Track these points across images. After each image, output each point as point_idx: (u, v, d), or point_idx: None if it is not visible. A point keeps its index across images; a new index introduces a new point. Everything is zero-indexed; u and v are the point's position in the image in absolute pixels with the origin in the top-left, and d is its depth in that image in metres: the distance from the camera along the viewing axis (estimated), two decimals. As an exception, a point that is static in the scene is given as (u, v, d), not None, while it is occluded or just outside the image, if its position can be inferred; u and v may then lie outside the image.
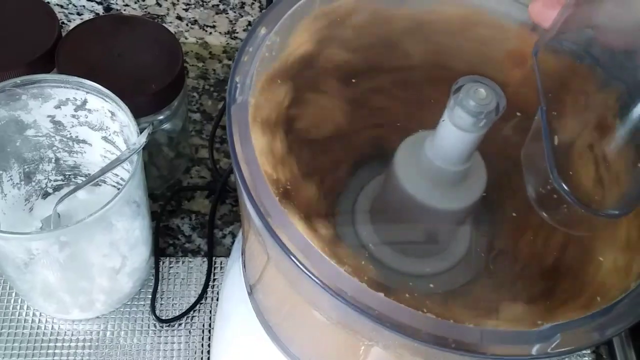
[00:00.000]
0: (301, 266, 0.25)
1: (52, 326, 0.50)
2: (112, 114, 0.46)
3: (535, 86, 0.28)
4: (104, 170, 0.44)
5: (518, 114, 0.30)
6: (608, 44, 0.28)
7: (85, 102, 0.46)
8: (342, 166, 0.37)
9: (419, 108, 0.35)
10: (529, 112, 0.28)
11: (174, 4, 0.63)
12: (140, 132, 0.44)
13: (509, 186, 0.33)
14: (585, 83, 0.27)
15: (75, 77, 0.44)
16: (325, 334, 0.30)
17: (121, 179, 0.51)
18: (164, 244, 0.56)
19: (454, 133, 0.28)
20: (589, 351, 0.54)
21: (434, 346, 0.24)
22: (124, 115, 0.44)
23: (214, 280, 0.55)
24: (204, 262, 0.55)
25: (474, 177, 0.31)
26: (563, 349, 0.24)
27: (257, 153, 0.27)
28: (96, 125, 0.47)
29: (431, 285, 0.32)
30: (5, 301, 0.51)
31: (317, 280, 0.24)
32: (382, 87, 0.36)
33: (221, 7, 0.64)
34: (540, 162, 0.26)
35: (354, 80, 0.34)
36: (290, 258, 0.25)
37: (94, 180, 0.45)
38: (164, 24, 0.64)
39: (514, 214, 0.34)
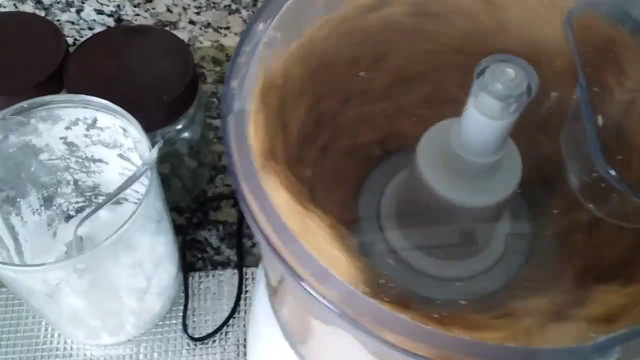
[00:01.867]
0: (314, 293, 0.22)
1: (85, 352, 0.49)
2: (124, 130, 0.44)
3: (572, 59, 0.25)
4: (118, 191, 0.42)
5: (553, 93, 0.27)
6: None
7: (95, 120, 0.44)
8: (363, 164, 0.34)
9: (443, 95, 0.31)
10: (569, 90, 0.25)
11: (185, 9, 0.61)
12: (154, 146, 0.42)
13: (551, 176, 0.29)
14: (628, 51, 0.24)
15: (82, 96, 0.43)
16: (346, 353, 0.27)
17: (142, 195, 0.50)
18: (192, 258, 0.54)
19: (480, 121, 0.25)
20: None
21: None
22: (135, 131, 0.42)
23: (246, 292, 0.52)
24: (234, 273, 0.53)
25: (508, 169, 0.28)
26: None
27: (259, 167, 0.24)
28: (110, 143, 0.46)
29: (463, 288, 0.28)
30: (36, 330, 0.50)
31: (333, 309, 0.22)
32: (403, 75, 0.33)
33: (233, 6, 0.61)
34: (583, 147, 0.23)
35: (361, 73, 0.31)
36: (300, 285, 0.23)
37: (109, 201, 0.43)
38: (176, 30, 0.63)
39: (555, 210, 0.30)
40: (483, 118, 0.25)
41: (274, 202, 0.23)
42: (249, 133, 0.24)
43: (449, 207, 0.28)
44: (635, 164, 0.23)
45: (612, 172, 0.22)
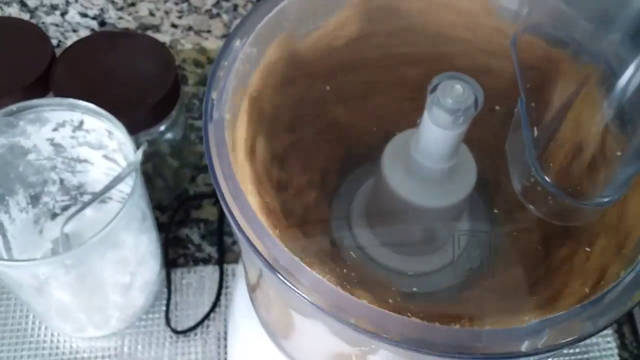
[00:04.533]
0: (287, 282, 0.25)
1: (71, 345, 0.51)
2: (109, 132, 0.46)
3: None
4: (104, 190, 0.44)
5: (497, 107, 0.30)
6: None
7: (82, 122, 0.46)
8: (336, 169, 0.37)
9: (409, 105, 0.34)
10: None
11: (167, 13, 0.63)
12: (138, 148, 0.44)
13: (503, 179, 0.32)
14: (565, 69, 0.26)
15: (69, 99, 0.45)
16: (322, 342, 0.30)
17: (126, 194, 0.52)
18: (175, 254, 0.56)
19: (434, 131, 0.28)
20: (611, 331, 0.53)
21: (421, 350, 0.23)
22: (120, 133, 0.45)
23: (227, 287, 0.55)
24: (215, 270, 0.55)
25: (463, 173, 0.31)
26: (554, 344, 0.24)
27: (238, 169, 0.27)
28: (95, 144, 0.48)
29: (425, 283, 0.31)
30: (24, 323, 0.52)
31: (299, 293, 0.24)
32: (372, 85, 0.35)
33: (214, 11, 0.64)
34: (522, 154, 0.26)
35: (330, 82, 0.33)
36: (276, 275, 0.25)
37: (95, 200, 0.45)
38: (159, 33, 0.65)
39: (509, 211, 0.33)
40: (437, 128, 0.27)
41: (250, 202, 0.26)
42: (230, 139, 0.27)
43: (410, 209, 0.31)
44: (568, 169, 0.25)
45: (546, 178, 0.25)
